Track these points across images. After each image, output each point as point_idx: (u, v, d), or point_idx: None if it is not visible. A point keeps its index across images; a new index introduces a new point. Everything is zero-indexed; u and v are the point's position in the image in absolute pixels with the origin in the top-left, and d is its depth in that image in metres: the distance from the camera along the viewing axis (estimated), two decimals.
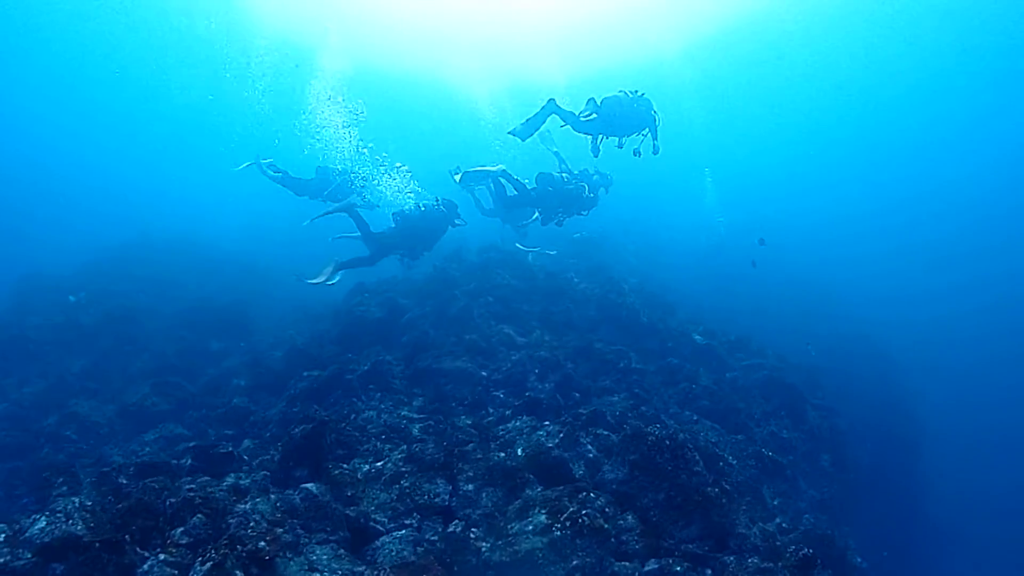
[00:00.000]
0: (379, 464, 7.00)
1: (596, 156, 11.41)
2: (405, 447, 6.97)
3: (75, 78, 42.70)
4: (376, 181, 11.34)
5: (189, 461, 7.36)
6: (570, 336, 12.19)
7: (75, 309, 15.81)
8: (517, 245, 14.26)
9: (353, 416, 8.74)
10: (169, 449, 9.17)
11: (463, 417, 8.88)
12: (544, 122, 11.12)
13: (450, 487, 6.37)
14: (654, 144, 10.88)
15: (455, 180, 11.47)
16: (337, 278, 10.17)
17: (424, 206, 10.40)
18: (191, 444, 8.33)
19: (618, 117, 10.62)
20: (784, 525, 7.92)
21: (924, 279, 36.60)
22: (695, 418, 9.73)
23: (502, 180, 11.06)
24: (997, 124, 39.03)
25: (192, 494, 5.66)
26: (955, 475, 20.92)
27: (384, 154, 11.36)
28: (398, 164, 11.10)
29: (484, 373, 10.22)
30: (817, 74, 40.45)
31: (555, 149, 12.48)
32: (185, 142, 48.48)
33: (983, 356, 30.19)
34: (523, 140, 11.40)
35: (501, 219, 14.45)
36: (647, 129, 10.73)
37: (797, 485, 10.51)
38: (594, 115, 10.76)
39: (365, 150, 11.75)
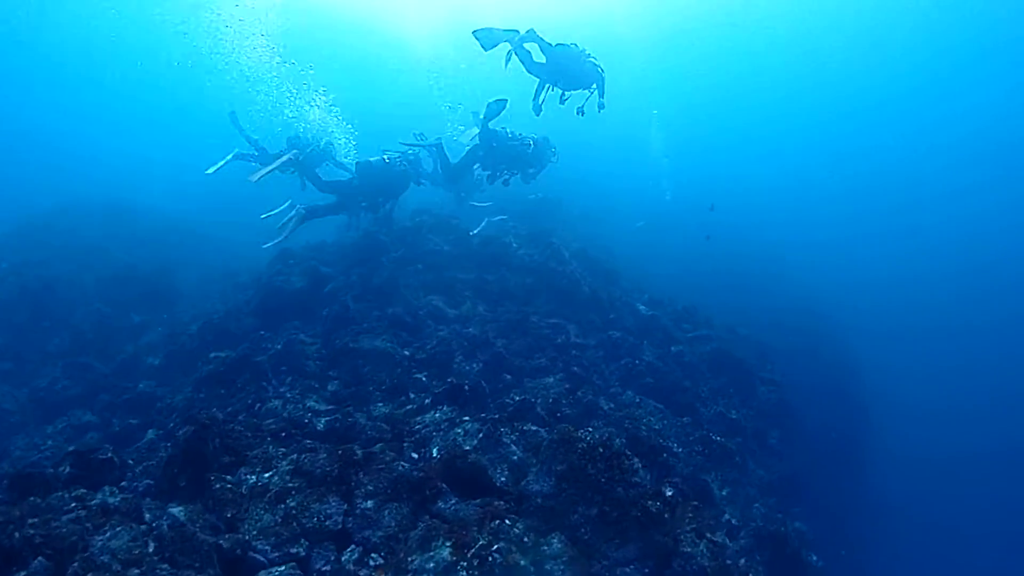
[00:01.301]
0: (267, 476, 5.82)
1: (538, 115, 10.92)
2: (296, 455, 5.77)
3: None
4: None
5: (68, 469, 6.14)
6: (506, 307, 11.15)
7: None
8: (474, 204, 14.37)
9: (258, 406, 7.81)
10: (77, 439, 8.59)
11: (380, 404, 7.86)
12: (503, 41, 10.34)
13: (345, 505, 5.25)
14: (600, 101, 10.55)
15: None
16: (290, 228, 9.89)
17: (388, 158, 10.27)
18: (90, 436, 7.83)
19: (565, 68, 10.31)
20: (734, 522, 7.14)
21: (874, 247, 36.82)
22: (638, 399, 8.82)
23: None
24: (949, 99, 39.33)
25: (33, 531, 4.45)
26: (903, 442, 20.91)
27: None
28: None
29: (407, 352, 9.09)
30: (770, 37, 39.81)
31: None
32: (122, 105, 45.28)
33: (932, 323, 30.55)
34: (485, 50, 10.44)
35: (444, 189, 14.62)
36: (594, 85, 10.43)
37: (746, 467, 9.82)
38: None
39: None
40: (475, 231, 15.08)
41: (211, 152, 13.68)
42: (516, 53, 10.47)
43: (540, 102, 10.81)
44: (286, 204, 11.77)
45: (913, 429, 22.58)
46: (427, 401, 7.55)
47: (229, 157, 13.06)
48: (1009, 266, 33.81)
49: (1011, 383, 26.10)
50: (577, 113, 10.72)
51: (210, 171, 12.94)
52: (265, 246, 11.15)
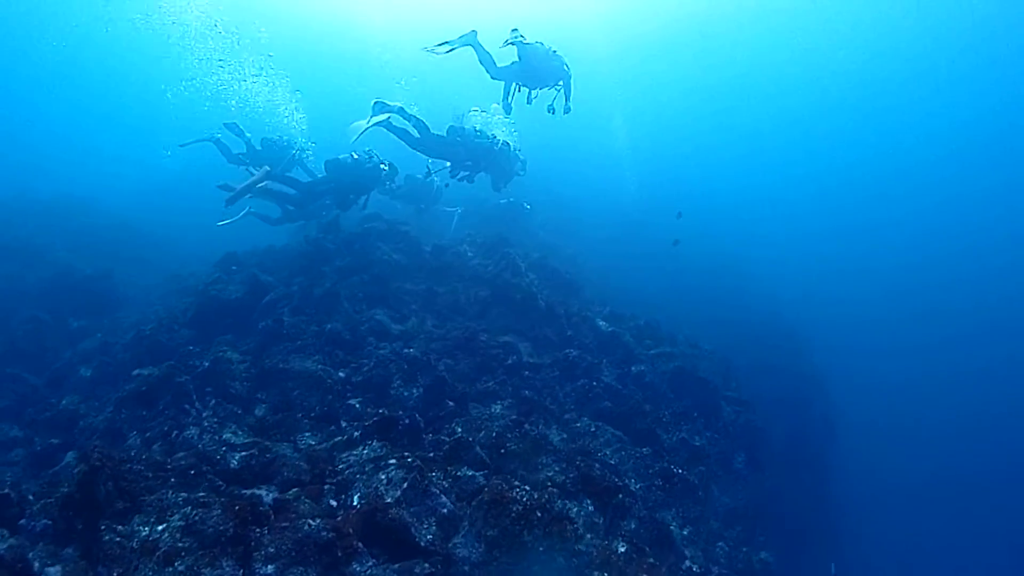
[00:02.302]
0: (160, 529, 4.96)
1: (508, 114, 11.10)
2: (188, 508, 4.90)
3: None
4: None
5: None
6: (456, 322, 10.40)
7: None
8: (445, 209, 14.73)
9: (175, 434, 7.10)
10: (1, 457, 7.98)
11: (308, 435, 7.09)
12: (458, 48, 10.39)
13: (241, 571, 4.40)
14: (566, 104, 10.60)
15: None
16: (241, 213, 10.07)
17: (358, 156, 10.23)
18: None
19: (535, 68, 10.34)
20: (696, 569, 6.41)
21: (840, 260, 36.85)
22: (594, 428, 8.07)
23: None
24: (914, 115, 39.73)
25: None
26: (867, 456, 20.63)
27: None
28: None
29: (342, 374, 8.28)
30: (737, 50, 39.81)
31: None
32: (77, 99, 43.20)
33: (898, 337, 30.52)
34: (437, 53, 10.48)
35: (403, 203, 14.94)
36: (560, 84, 10.48)
37: (710, 496, 9.20)
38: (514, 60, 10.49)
39: None
40: (451, 229, 15.72)
41: (170, 145, 14.26)
42: (478, 57, 10.47)
43: (510, 101, 10.84)
44: (244, 212, 12.01)
45: (878, 444, 22.39)
46: (356, 434, 6.71)
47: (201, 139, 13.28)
48: (977, 280, 34.18)
49: (979, 398, 26.19)
50: (548, 111, 10.65)
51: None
52: (220, 223, 10.89)
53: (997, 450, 23.75)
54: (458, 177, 11.29)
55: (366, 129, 10.37)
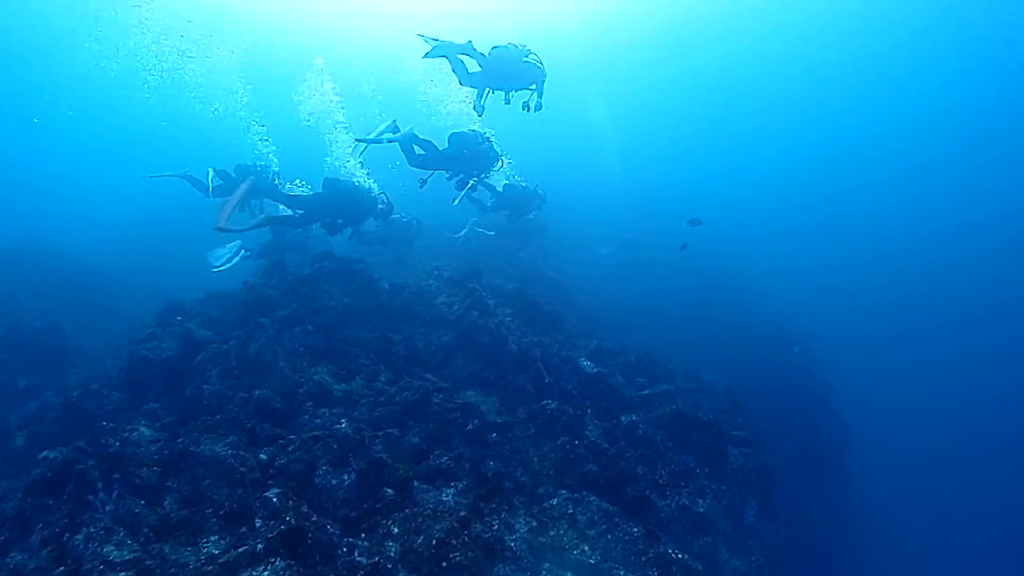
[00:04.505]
0: None
1: (480, 115, 10.76)
2: None
3: None
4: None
5: None
6: (415, 374, 8.95)
7: None
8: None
9: (67, 536, 5.74)
10: None
11: (211, 542, 5.70)
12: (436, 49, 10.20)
13: None
14: (538, 101, 10.33)
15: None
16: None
17: (357, 181, 10.08)
18: None
19: (503, 72, 10.14)
20: None
21: (843, 268, 35.65)
22: (570, 507, 6.58)
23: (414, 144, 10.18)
24: (907, 116, 38.81)
25: None
26: (889, 496, 19.13)
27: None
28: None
29: (263, 456, 6.81)
30: (717, 61, 38.81)
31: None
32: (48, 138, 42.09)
33: (909, 352, 29.09)
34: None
35: None
36: (533, 85, 10.24)
37: (717, 558, 7.76)
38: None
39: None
40: (461, 234, 16.09)
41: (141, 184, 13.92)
42: (451, 65, 10.30)
43: (483, 103, 10.59)
44: (239, 255, 11.94)
45: (894, 469, 20.85)
46: (260, 547, 5.27)
47: (177, 174, 12.69)
48: (995, 287, 32.89)
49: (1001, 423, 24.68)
50: (523, 109, 10.47)
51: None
52: (215, 269, 11.05)
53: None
54: (467, 186, 10.82)
55: (372, 141, 10.12)
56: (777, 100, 41.89)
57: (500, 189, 13.76)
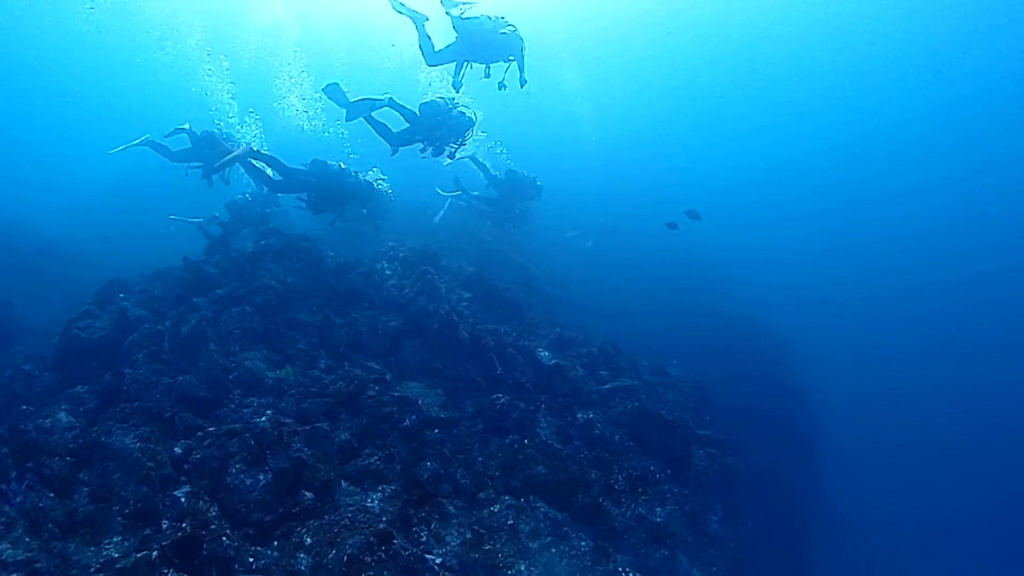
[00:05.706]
0: None
1: (458, 90, 10.45)
2: None
3: None
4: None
5: None
6: (357, 361, 8.21)
7: None
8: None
9: None
10: None
11: (114, 544, 5.19)
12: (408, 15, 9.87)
13: None
14: (520, 76, 10.05)
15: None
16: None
17: (345, 166, 9.54)
18: None
19: (477, 44, 9.79)
20: None
21: (818, 262, 35.44)
22: (511, 518, 5.92)
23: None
24: (890, 115, 38.56)
25: None
26: (854, 480, 18.84)
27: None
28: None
29: (178, 450, 6.10)
30: (707, 48, 38.15)
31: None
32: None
33: (880, 346, 28.92)
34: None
35: None
36: (512, 57, 9.91)
37: (676, 570, 7.19)
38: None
39: None
40: (437, 217, 15.45)
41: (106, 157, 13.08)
42: (419, 43, 9.97)
43: (460, 78, 10.27)
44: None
45: (864, 464, 20.60)
46: (155, 555, 4.57)
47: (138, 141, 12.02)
48: (967, 285, 32.96)
49: (972, 409, 24.62)
50: (499, 88, 10.17)
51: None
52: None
53: (995, 469, 22.18)
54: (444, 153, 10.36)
55: (355, 104, 9.79)
56: (760, 93, 41.36)
57: (501, 175, 13.83)
